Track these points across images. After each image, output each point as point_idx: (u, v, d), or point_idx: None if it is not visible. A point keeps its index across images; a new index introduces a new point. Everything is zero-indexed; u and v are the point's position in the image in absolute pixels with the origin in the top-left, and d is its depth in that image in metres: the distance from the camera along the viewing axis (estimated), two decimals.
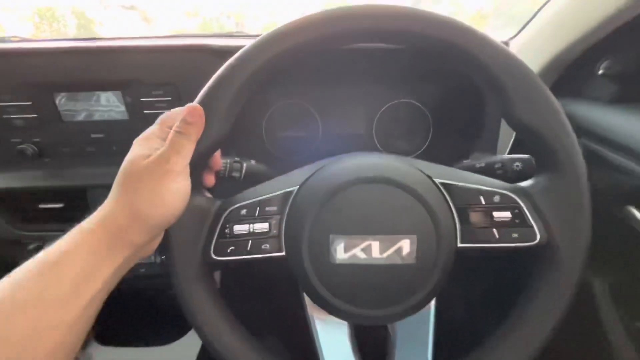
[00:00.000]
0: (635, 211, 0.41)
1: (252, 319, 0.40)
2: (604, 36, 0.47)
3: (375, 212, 0.30)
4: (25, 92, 0.55)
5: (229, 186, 0.39)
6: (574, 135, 0.30)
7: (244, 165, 0.44)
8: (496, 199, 0.31)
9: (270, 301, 0.84)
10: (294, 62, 0.31)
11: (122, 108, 0.57)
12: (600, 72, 0.50)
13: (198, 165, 0.31)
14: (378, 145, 0.66)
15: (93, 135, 0.58)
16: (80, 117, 0.57)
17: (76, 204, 0.60)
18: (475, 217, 0.31)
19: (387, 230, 0.29)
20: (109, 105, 0.57)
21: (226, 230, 0.32)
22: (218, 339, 0.31)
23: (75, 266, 0.26)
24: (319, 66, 0.60)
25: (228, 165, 0.43)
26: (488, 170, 0.45)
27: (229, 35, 0.71)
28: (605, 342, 0.49)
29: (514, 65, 0.30)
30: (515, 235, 0.31)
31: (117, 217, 0.27)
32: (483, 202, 0.31)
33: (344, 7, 0.30)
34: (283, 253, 0.32)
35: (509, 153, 0.60)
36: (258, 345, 0.33)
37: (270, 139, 0.66)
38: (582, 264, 0.30)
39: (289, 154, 0.66)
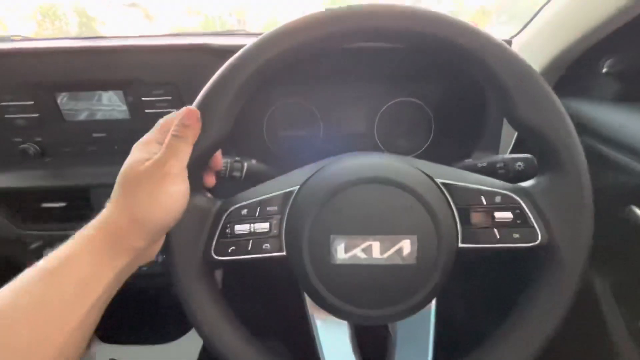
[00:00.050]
0: (638, 211, 0.41)
1: (253, 319, 0.40)
2: (608, 34, 0.46)
3: (376, 212, 0.30)
4: (27, 92, 0.55)
5: (230, 186, 0.39)
6: (576, 136, 0.30)
7: (245, 164, 0.44)
8: (497, 199, 0.31)
9: (271, 301, 0.84)
10: (294, 61, 0.31)
11: (124, 107, 0.57)
12: (604, 70, 0.50)
13: (198, 166, 0.31)
14: (380, 144, 0.66)
15: (95, 135, 0.58)
16: (82, 116, 0.57)
17: (78, 203, 0.60)
18: (476, 217, 0.31)
19: (388, 230, 0.29)
20: (110, 104, 0.57)
21: (227, 230, 0.32)
22: (219, 338, 0.31)
23: (76, 272, 0.26)
24: (320, 65, 0.59)
25: (229, 165, 0.43)
26: (490, 170, 0.45)
27: (230, 33, 0.71)
28: (606, 342, 0.48)
29: (515, 64, 0.30)
30: (516, 235, 0.31)
31: (117, 222, 0.28)
32: (484, 203, 0.31)
33: (345, 7, 0.30)
34: (284, 253, 0.32)
35: (511, 152, 0.59)
36: (259, 344, 0.33)
37: (271, 138, 0.66)
38: (583, 264, 0.30)
39: (290, 153, 0.66)
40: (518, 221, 0.31)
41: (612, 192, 0.45)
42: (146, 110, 0.56)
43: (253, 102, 0.37)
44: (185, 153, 0.29)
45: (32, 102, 0.55)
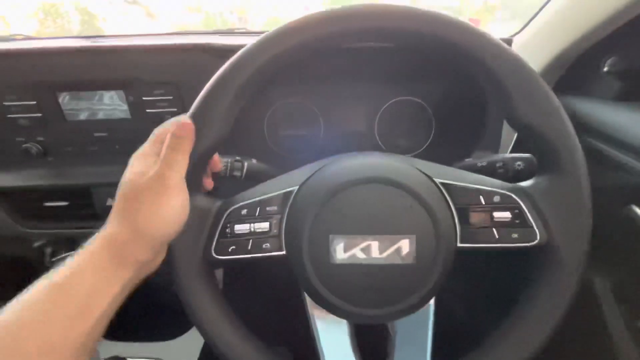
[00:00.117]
0: (638, 210, 0.41)
1: (253, 317, 0.40)
2: (609, 33, 0.46)
3: (375, 212, 0.30)
4: (29, 92, 0.55)
5: (231, 185, 0.39)
6: (575, 136, 0.30)
7: (245, 164, 0.44)
8: (496, 199, 0.31)
9: (271, 300, 0.84)
10: (295, 61, 0.31)
11: (125, 107, 0.57)
12: (605, 69, 0.49)
13: (198, 167, 0.31)
14: (380, 143, 0.66)
15: (96, 134, 0.58)
16: (84, 116, 0.58)
17: (80, 202, 0.61)
18: (475, 217, 0.31)
19: (387, 230, 0.29)
20: (111, 104, 0.57)
21: (227, 230, 0.32)
22: (219, 337, 0.32)
23: (81, 287, 0.26)
24: (321, 64, 0.59)
25: (229, 165, 0.43)
26: (489, 169, 0.45)
27: (231, 32, 0.71)
28: (606, 341, 0.49)
29: (515, 64, 0.30)
30: (515, 235, 0.31)
31: (120, 236, 0.28)
32: (483, 202, 0.31)
33: (346, 7, 0.30)
34: (283, 252, 0.32)
35: (511, 152, 0.59)
36: (259, 343, 0.33)
37: (272, 137, 0.66)
38: (582, 264, 0.30)
39: (290, 152, 0.66)
40: (517, 221, 0.31)
41: (612, 192, 0.45)
42: (147, 110, 0.56)
43: (254, 101, 0.37)
44: (181, 164, 0.29)
45: (34, 102, 0.55)
